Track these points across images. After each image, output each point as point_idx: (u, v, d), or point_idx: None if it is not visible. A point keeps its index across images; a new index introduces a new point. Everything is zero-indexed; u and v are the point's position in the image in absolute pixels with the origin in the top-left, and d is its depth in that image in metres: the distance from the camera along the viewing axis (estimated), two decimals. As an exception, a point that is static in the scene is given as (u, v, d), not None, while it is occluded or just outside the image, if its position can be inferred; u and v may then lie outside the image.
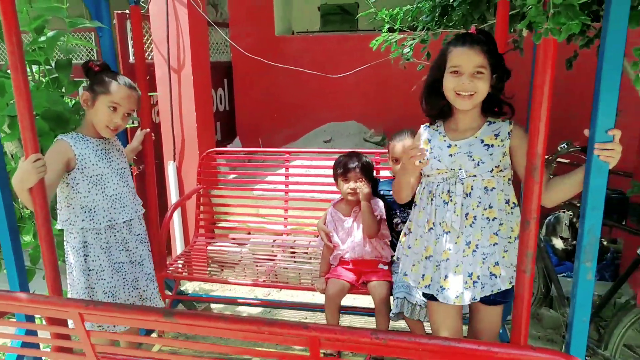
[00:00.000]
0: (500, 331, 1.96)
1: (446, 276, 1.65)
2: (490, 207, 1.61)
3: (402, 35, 2.75)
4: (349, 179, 2.37)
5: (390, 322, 2.25)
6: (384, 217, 2.39)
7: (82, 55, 4.77)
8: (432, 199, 1.68)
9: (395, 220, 2.40)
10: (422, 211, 1.72)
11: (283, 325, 1.02)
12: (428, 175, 1.70)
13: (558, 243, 3.60)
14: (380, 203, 2.41)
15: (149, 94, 2.53)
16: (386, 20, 2.70)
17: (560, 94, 3.88)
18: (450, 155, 1.64)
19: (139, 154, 2.37)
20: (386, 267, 2.38)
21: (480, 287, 1.63)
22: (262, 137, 4.74)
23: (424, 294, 1.80)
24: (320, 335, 0.99)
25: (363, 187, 2.33)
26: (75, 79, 2.35)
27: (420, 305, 2.14)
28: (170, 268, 2.62)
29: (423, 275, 1.71)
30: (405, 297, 2.16)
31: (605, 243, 3.55)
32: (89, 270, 1.96)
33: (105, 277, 1.97)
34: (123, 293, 2.02)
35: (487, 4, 2.13)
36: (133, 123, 2.64)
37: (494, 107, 1.67)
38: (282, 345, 2.20)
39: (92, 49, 4.73)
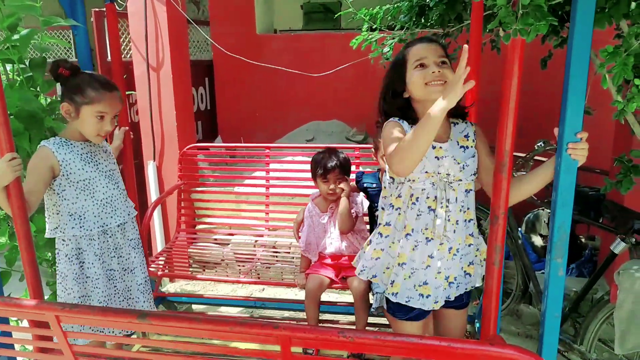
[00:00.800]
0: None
1: (425, 282, 1.60)
2: (468, 208, 1.61)
3: (382, 35, 2.77)
4: (328, 180, 2.38)
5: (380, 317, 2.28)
6: (361, 213, 2.41)
7: (59, 54, 4.71)
8: (413, 203, 1.58)
9: (377, 213, 2.41)
10: (401, 214, 1.62)
11: (253, 325, 1.02)
12: (412, 180, 1.56)
13: (537, 240, 3.65)
14: (360, 198, 2.43)
15: (127, 92, 2.49)
16: (366, 20, 2.71)
17: (537, 94, 3.94)
18: (437, 157, 1.55)
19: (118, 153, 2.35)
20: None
21: (455, 287, 1.65)
22: (244, 136, 4.72)
23: (388, 301, 1.70)
24: (291, 335, 0.99)
25: (344, 187, 2.34)
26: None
27: None
28: (152, 266, 2.59)
29: (392, 282, 1.64)
30: (384, 292, 2.17)
31: (583, 240, 3.61)
32: (86, 278, 1.91)
33: (100, 286, 1.91)
34: (115, 302, 1.97)
35: (463, 4, 2.15)
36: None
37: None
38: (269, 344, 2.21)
39: (69, 48, 4.66)
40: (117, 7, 3.24)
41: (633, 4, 1.55)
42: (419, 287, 1.61)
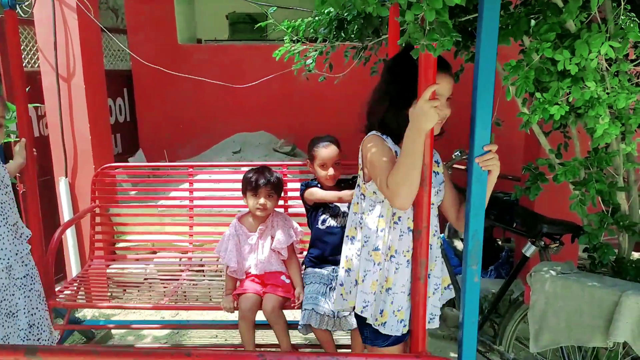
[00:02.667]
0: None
1: (401, 307, 1.54)
2: (436, 232, 1.64)
3: (305, 47, 2.77)
4: (259, 195, 2.33)
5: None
6: (297, 240, 2.43)
7: None
8: (395, 223, 1.52)
9: (322, 217, 2.39)
10: (386, 235, 1.54)
11: (163, 354, 0.95)
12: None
13: (459, 245, 3.80)
14: (294, 227, 2.44)
15: (30, 105, 2.30)
16: (288, 32, 2.70)
17: (455, 105, 4.13)
18: None
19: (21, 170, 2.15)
20: (288, 281, 2.37)
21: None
22: (168, 149, 4.55)
23: (364, 330, 1.61)
24: (204, 363, 0.94)
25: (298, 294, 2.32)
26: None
27: (328, 315, 2.14)
28: (60, 295, 2.39)
29: (382, 311, 1.54)
30: (313, 309, 2.15)
31: (500, 243, 3.80)
32: None
33: None
34: None
35: (380, 19, 2.19)
36: (9, 137, 2.39)
37: None
38: None
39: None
40: (22, 13, 3.02)
41: (532, 22, 1.66)
42: (397, 313, 1.54)
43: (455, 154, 2.81)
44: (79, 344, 2.91)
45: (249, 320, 2.24)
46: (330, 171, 2.36)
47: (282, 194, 2.57)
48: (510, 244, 3.82)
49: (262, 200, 2.32)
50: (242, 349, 2.30)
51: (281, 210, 2.79)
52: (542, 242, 2.22)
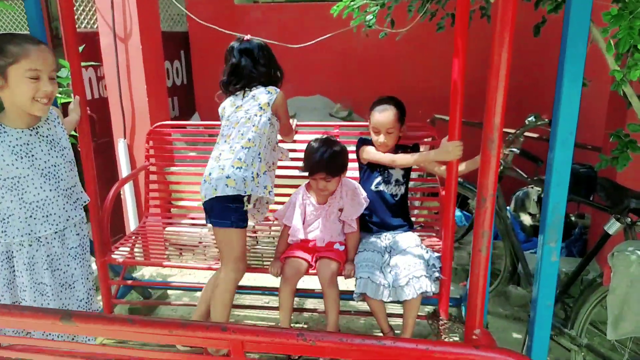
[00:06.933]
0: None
1: None
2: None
3: (365, 1, 2.57)
4: (315, 179, 2.18)
5: (357, 302, 2.12)
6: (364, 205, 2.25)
7: (7, 25, 4.34)
8: None
9: (377, 180, 2.29)
10: None
11: (198, 327, 0.87)
12: None
13: (526, 219, 3.54)
14: (364, 195, 2.25)
15: (85, 63, 2.28)
16: (348, -17, 2.51)
17: (528, 64, 3.77)
18: None
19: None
20: (342, 248, 2.24)
21: None
22: (224, 112, 4.51)
23: None
24: (242, 338, 0.84)
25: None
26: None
27: (383, 285, 2.02)
28: (116, 252, 2.40)
29: None
30: (369, 277, 2.03)
31: (573, 218, 3.50)
32: (17, 286, 1.72)
33: (27, 298, 1.71)
34: None
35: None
36: (69, 97, 2.39)
37: None
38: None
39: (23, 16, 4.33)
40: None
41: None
42: None
43: (529, 119, 2.54)
44: (136, 301, 2.99)
45: (290, 285, 2.15)
46: (381, 138, 2.20)
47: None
48: (583, 219, 3.50)
49: (321, 185, 2.17)
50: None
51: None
52: (629, 219, 1.96)
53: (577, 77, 1.16)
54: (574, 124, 1.18)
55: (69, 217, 1.77)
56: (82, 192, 1.89)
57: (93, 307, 1.91)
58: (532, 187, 3.54)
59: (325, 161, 2.12)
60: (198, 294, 3.07)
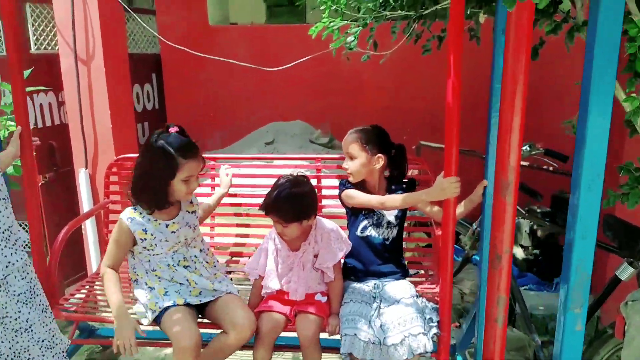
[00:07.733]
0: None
1: None
2: None
3: (345, 22, 2.39)
4: (274, 222, 1.92)
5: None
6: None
7: None
8: None
9: (363, 224, 2.03)
10: None
11: None
12: None
13: (519, 252, 3.35)
14: (342, 238, 2.00)
15: (31, 88, 2.02)
16: (328, 4, 2.33)
17: (528, 89, 3.63)
18: None
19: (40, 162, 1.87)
20: (324, 299, 1.98)
21: None
22: (198, 138, 4.25)
23: None
24: None
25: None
26: None
27: (373, 343, 1.76)
28: (66, 304, 2.08)
29: None
30: (355, 334, 1.77)
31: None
32: None
33: None
34: None
35: (441, -21, 1.78)
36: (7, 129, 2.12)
37: None
38: None
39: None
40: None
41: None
42: None
43: (524, 148, 2.36)
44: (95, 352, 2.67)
45: (267, 344, 1.87)
46: (344, 164, 1.98)
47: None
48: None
49: (278, 229, 1.91)
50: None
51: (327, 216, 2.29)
52: (643, 263, 1.76)
53: (605, 111, 0.96)
54: (602, 164, 0.97)
55: (9, 262, 1.58)
56: (19, 230, 1.69)
57: (58, 347, 1.74)
58: (523, 219, 3.35)
59: (277, 204, 1.85)
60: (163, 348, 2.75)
